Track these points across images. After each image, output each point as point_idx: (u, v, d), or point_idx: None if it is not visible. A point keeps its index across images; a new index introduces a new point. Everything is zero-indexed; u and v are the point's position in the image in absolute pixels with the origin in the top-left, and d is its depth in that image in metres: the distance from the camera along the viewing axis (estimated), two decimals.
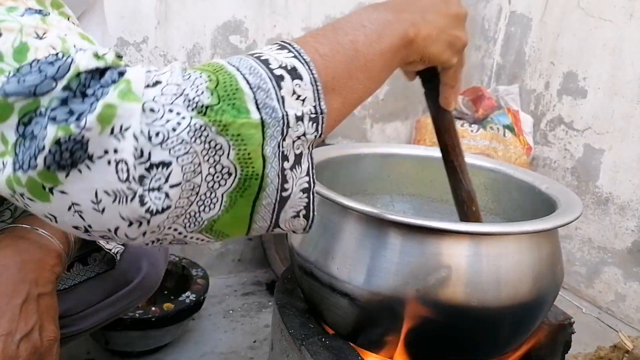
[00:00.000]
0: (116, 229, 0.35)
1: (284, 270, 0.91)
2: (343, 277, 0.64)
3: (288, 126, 0.37)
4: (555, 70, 1.66)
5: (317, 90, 0.39)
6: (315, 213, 0.43)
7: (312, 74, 0.39)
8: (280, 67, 0.38)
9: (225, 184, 0.36)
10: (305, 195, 0.41)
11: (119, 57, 0.37)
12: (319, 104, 0.39)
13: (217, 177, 0.36)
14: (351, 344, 0.69)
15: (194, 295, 1.20)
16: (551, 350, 0.81)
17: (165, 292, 1.30)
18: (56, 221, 0.36)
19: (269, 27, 1.47)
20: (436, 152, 1.00)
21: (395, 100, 1.71)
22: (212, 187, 0.36)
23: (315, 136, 0.40)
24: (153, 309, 1.12)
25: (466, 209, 0.69)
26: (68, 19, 0.43)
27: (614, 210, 1.52)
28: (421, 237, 0.62)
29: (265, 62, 0.38)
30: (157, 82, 0.34)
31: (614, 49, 1.49)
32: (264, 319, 1.39)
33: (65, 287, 0.75)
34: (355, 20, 0.46)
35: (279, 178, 0.38)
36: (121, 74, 0.34)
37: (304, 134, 0.39)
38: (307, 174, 0.41)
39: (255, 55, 0.39)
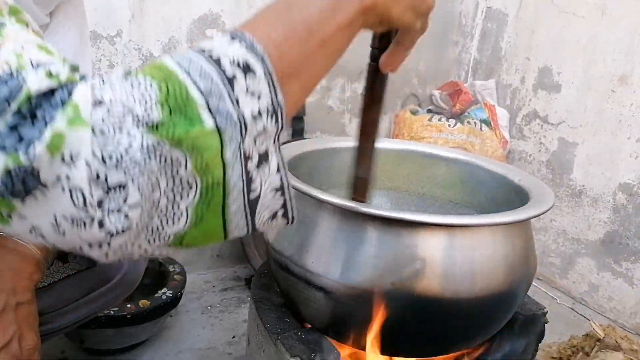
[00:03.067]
0: (80, 248, 0.35)
1: (260, 265, 0.90)
2: (318, 271, 0.64)
3: (246, 126, 0.36)
4: (531, 66, 1.69)
5: (272, 82, 0.37)
6: (294, 212, 0.41)
7: (266, 67, 0.37)
8: (232, 65, 0.36)
9: (187, 196, 0.36)
10: (280, 193, 0.39)
11: (74, 69, 0.36)
12: (276, 97, 0.38)
13: (178, 189, 0.35)
14: (327, 337, 0.69)
15: (171, 292, 1.18)
16: (525, 340, 0.82)
17: (142, 288, 1.28)
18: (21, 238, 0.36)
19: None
20: (413, 146, 1.01)
21: None
22: (174, 199, 0.35)
23: (277, 128, 0.38)
24: (128, 306, 1.10)
25: (356, 190, 0.69)
26: (27, 25, 0.40)
27: (587, 203, 1.56)
28: (396, 230, 0.62)
29: (217, 62, 0.36)
30: (102, 101, 0.33)
31: (587, 44, 1.52)
32: (242, 315, 1.38)
33: (44, 284, 0.74)
34: None
35: (243, 181, 0.37)
36: (70, 93, 0.33)
37: (264, 130, 0.37)
38: (278, 171, 0.39)
39: (206, 52, 0.37)
